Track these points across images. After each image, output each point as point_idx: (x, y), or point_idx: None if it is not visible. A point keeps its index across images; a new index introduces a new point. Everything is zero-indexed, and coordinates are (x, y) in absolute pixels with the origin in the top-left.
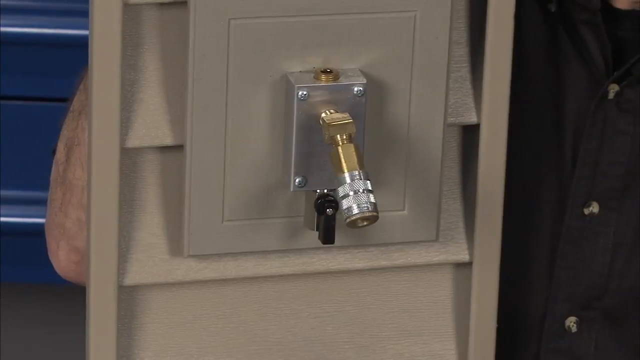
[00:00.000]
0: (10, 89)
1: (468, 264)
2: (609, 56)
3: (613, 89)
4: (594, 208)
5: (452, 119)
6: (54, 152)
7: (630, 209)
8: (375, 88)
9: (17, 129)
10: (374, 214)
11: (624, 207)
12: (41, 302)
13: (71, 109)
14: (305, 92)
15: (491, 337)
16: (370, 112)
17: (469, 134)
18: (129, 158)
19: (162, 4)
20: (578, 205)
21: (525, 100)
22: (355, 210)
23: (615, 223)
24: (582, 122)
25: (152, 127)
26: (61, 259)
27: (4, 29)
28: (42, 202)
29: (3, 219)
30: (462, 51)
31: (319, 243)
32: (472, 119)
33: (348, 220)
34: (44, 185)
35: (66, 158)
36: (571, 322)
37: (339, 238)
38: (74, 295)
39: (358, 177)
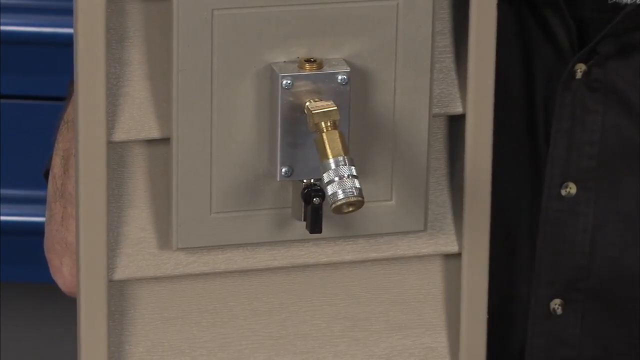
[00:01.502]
0: (10, 88)
1: (457, 255)
2: (574, 37)
3: (580, 68)
4: (571, 189)
5: (437, 109)
6: (46, 175)
7: (608, 187)
8: (360, 78)
9: (17, 129)
10: (360, 199)
11: (601, 186)
12: (41, 302)
13: (65, 119)
14: (289, 81)
15: (482, 328)
16: (355, 102)
17: (456, 125)
18: (116, 152)
19: None
20: (554, 187)
21: (496, 84)
22: (341, 196)
23: (594, 202)
24: (552, 104)
25: (138, 120)
26: (66, 275)
27: (3, 28)
28: (42, 202)
29: (3, 219)
30: (446, 41)
31: (308, 234)
32: (458, 109)
33: (333, 205)
34: (44, 184)
35: (64, 170)
36: (556, 304)
37: (327, 230)
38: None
39: (343, 163)
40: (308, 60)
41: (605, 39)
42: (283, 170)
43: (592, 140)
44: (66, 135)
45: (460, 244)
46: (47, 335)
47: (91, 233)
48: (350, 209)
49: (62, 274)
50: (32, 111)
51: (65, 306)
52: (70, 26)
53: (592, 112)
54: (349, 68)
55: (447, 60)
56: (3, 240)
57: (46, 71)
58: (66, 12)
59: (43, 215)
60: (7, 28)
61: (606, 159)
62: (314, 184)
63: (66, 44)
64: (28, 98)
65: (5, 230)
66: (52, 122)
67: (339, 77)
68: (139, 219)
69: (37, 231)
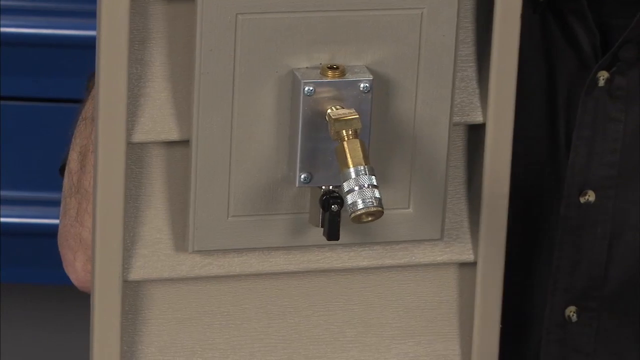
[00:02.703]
0: (10, 89)
1: (473, 264)
2: (598, 44)
3: (603, 76)
4: (590, 197)
5: (458, 118)
6: (61, 171)
7: (627, 196)
8: (382, 86)
9: (17, 129)
10: (379, 209)
11: (620, 194)
12: (41, 302)
13: (82, 116)
14: (311, 88)
15: (495, 338)
16: (376, 109)
17: (475, 134)
18: (135, 153)
19: None
20: (574, 195)
21: (519, 90)
22: (360, 205)
23: (612, 211)
24: (573, 111)
25: (158, 121)
26: (78, 270)
27: (4, 30)
28: (42, 203)
29: (3, 219)
30: (468, 50)
31: (324, 240)
32: (478, 118)
33: (353, 215)
34: (44, 185)
35: (81, 166)
36: (571, 311)
37: (344, 236)
38: (74, 295)
39: (363, 172)
40: (330, 67)
41: (627, 45)
42: (302, 176)
43: (613, 149)
44: (84, 131)
45: (476, 253)
46: (47, 336)
47: (107, 233)
48: (370, 218)
49: (74, 268)
50: (32, 113)
51: (65, 307)
52: (70, 27)
53: (614, 120)
54: (371, 76)
55: (469, 69)
56: (3, 241)
57: (47, 73)
58: (66, 14)
59: (43, 217)
60: (8, 30)
61: (627, 167)
62: (333, 191)
63: (66, 45)
64: (28, 100)
65: (6, 232)
66: (52, 123)
67: (362, 85)
68: (155, 220)
69: (37, 232)
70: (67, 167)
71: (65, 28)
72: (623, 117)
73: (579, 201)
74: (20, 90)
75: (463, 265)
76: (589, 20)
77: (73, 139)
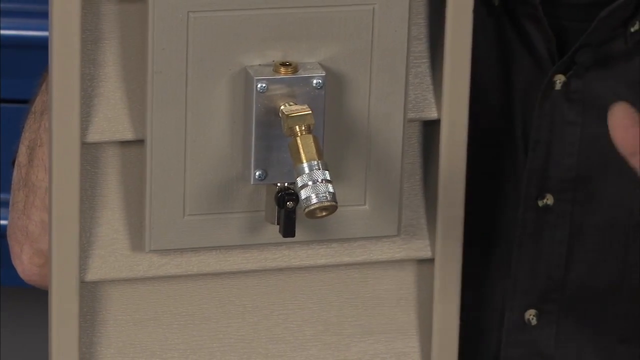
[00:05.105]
0: (10, 92)
1: (430, 261)
2: (553, 47)
3: (559, 79)
4: (549, 200)
5: (412, 114)
6: (14, 162)
7: (585, 199)
8: (335, 82)
9: (17, 132)
10: (333, 203)
11: (578, 197)
12: (41, 305)
13: (33, 110)
14: (264, 85)
15: (454, 334)
16: (330, 106)
17: (430, 130)
18: (90, 153)
19: None
20: (532, 198)
21: (475, 94)
22: (314, 200)
23: (571, 214)
24: (530, 114)
25: (112, 121)
26: (25, 262)
27: (3, 32)
28: None
29: (3, 222)
30: (421, 46)
31: (281, 238)
32: (433, 114)
33: (307, 210)
34: None
35: (29, 160)
36: (531, 315)
37: (300, 233)
38: None
39: (317, 167)
40: (283, 64)
41: (583, 49)
42: (257, 173)
43: (571, 152)
44: (33, 125)
45: (433, 250)
46: (47, 339)
47: (64, 234)
48: (324, 213)
49: (21, 261)
50: None
51: None
52: None
53: (571, 123)
54: (324, 72)
55: (423, 65)
56: (3, 243)
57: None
58: None
59: None
60: (7, 32)
61: (584, 170)
62: (288, 188)
63: None
64: (28, 102)
65: (6, 234)
66: None
67: (314, 81)
68: (111, 221)
69: None
70: (16, 161)
71: None
72: (580, 120)
73: (537, 205)
74: (20, 93)
75: (421, 262)
76: (544, 24)
77: (23, 132)
